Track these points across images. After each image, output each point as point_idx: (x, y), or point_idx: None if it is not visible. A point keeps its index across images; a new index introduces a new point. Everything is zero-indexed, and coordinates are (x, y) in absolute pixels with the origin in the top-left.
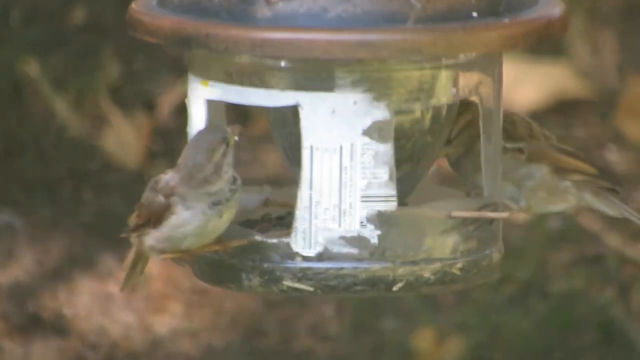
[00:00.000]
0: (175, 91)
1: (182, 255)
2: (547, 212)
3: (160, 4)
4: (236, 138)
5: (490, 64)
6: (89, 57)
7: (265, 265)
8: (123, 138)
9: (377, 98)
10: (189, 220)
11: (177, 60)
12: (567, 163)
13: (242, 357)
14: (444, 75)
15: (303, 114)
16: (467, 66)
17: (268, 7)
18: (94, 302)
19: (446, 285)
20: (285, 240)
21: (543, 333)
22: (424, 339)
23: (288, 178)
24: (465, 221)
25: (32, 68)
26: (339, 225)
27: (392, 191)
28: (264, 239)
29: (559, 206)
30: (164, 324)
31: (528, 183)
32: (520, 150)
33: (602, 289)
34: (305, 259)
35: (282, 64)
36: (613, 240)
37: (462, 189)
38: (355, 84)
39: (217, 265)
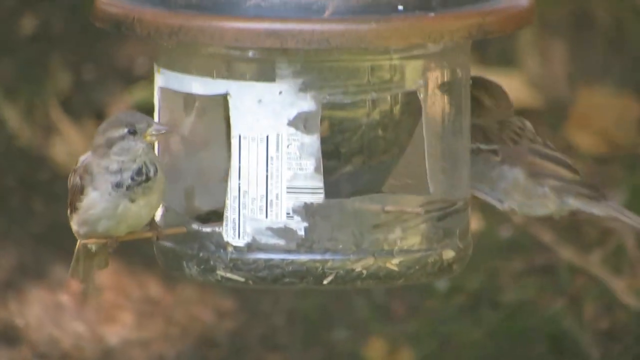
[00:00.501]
0: (124, 100)
1: (106, 241)
2: (529, 215)
3: None
4: (153, 137)
5: (446, 58)
6: (38, 66)
7: (202, 254)
8: (73, 147)
9: (303, 89)
10: (97, 201)
11: (126, 69)
12: (543, 167)
13: None
14: (390, 68)
15: (232, 103)
16: (418, 59)
17: None
18: (45, 312)
19: (382, 280)
20: (218, 229)
21: (494, 343)
22: (375, 349)
23: None
24: (405, 216)
25: None
26: (266, 216)
27: (318, 183)
28: (200, 228)
29: (538, 211)
30: (115, 334)
31: (500, 184)
32: (494, 152)
33: (553, 300)
34: (236, 249)
35: (223, 50)
36: (564, 251)
37: None
38: (294, 75)
39: (165, 253)
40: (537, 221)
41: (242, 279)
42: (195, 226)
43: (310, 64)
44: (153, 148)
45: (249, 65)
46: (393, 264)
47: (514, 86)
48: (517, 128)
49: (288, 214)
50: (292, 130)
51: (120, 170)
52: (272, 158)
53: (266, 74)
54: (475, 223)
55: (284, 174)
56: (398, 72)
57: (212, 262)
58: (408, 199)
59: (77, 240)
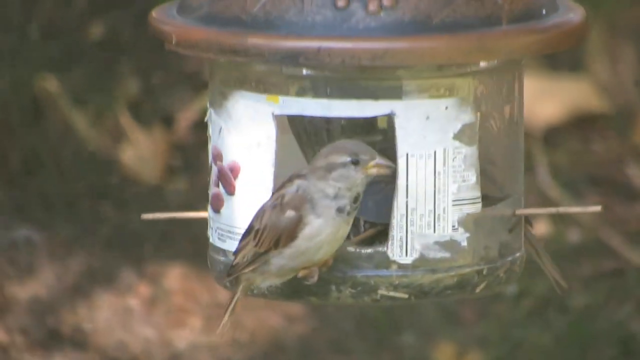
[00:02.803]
0: (193, 107)
1: (309, 271)
2: None
3: (181, 12)
4: (374, 170)
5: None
6: (107, 72)
7: (359, 275)
8: (142, 153)
9: (466, 102)
10: (323, 227)
11: (194, 75)
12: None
13: None
14: (512, 78)
15: (397, 123)
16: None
17: (370, 17)
18: (114, 316)
19: (509, 283)
20: (380, 249)
21: (563, 348)
22: (444, 353)
23: None
24: (518, 221)
25: (51, 84)
26: (434, 231)
27: (478, 193)
28: (359, 250)
29: None
30: (183, 338)
31: None
32: None
33: (622, 304)
34: (401, 266)
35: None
36: (633, 255)
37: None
38: (447, 90)
39: (298, 280)
40: (606, 225)
41: (406, 296)
42: (350, 249)
43: (467, 78)
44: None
45: (414, 83)
46: (517, 266)
47: (582, 91)
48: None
49: (454, 226)
50: (457, 143)
51: (336, 196)
52: (439, 173)
53: (432, 91)
54: (544, 227)
55: (450, 188)
56: (506, 82)
57: (372, 283)
58: (520, 203)
59: (231, 270)
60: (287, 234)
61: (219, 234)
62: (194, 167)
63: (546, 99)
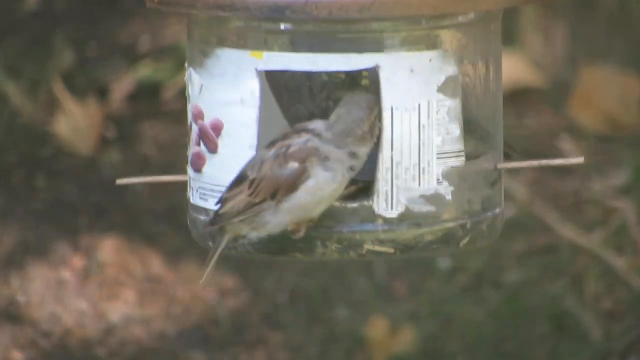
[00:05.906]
0: (127, 78)
1: (297, 226)
2: None
3: None
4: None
5: None
6: (41, 43)
7: (345, 230)
8: (76, 124)
9: (449, 54)
10: (328, 182)
11: (129, 46)
12: None
13: (195, 345)
14: (490, 32)
15: (383, 76)
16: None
17: None
18: (47, 289)
19: (491, 238)
20: (366, 203)
21: (496, 323)
22: (376, 328)
23: None
24: (500, 176)
25: None
26: (419, 184)
27: (461, 146)
28: (345, 205)
29: None
30: (117, 311)
31: None
32: None
33: (555, 279)
34: (387, 220)
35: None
36: (566, 231)
37: None
38: (430, 42)
39: (284, 235)
40: (540, 201)
41: (391, 250)
42: (336, 204)
43: (452, 30)
44: None
45: (397, 35)
46: (499, 221)
47: (516, 66)
48: None
49: (438, 179)
50: (441, 96)
51: (355, 155)
52: (423, 126)
53: (416, 44)
54: None
55: (434, 141)
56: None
57: (358, 238)
58: (500, 157)
59: (218, 218)
60: (288, 186)
61: (200, 193)
62: (128, 138)
63: None
